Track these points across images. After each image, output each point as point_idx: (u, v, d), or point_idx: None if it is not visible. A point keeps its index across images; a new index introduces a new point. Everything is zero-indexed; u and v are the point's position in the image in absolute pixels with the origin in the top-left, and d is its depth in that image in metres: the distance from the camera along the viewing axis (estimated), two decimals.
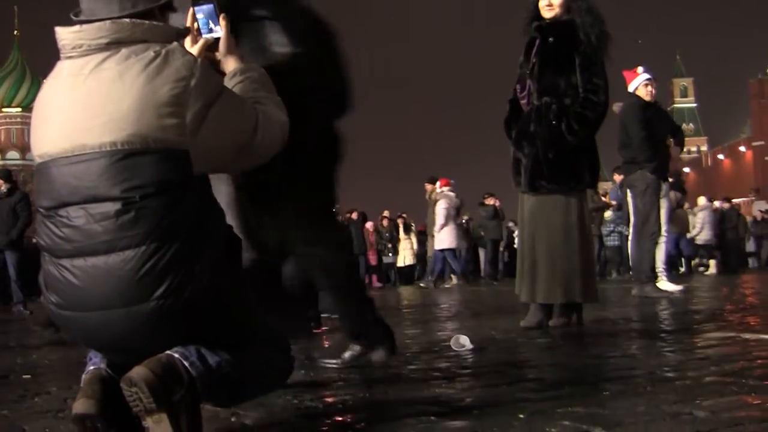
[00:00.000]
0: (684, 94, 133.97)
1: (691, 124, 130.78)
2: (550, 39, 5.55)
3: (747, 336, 4.59)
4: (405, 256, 23.90)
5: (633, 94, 9.55)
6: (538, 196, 5.52)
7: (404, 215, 24.90)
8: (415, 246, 24.00)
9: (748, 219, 27.05)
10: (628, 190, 9.76)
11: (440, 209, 17.54)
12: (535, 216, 5.55)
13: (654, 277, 9.36)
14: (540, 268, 5.50)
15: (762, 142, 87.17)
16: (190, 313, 2.19)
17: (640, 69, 9.68)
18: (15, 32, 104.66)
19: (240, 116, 2.34)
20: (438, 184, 18.06)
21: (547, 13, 5.58)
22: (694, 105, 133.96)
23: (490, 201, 21.66)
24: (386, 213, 24.80)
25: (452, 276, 18.12)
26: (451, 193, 17.92)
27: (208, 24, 2.62)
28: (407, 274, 24.43)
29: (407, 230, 24.20)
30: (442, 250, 17.85)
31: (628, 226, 11.34)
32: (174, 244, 2.15)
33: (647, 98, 9.53)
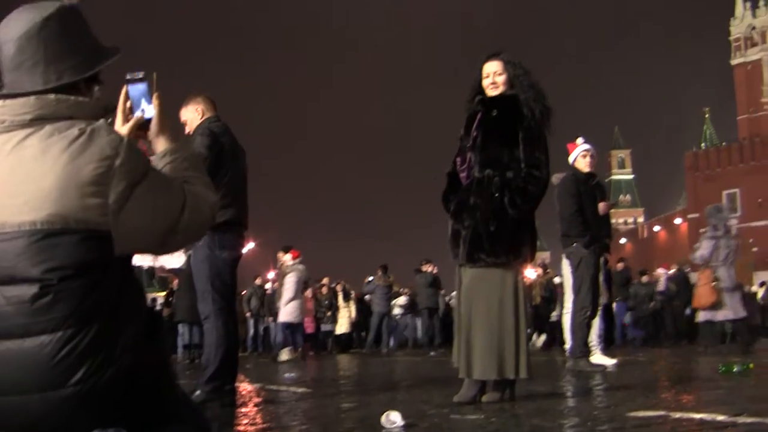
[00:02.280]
0: (621, 166, 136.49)
1: (628, 196, 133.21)
2: (494, 112, 5.62)
3: (678, 415, 4.60)
4: (343, 324, 23.79)
5: (571, 166, 9.68)
6: (477, 269, 5.54)
7: (343, 282, 24.83)
8: (353, 314, 23.92)
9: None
10: (567, 262, 9.78)
11: (290, 282, 17.24)
12: (473, 289, 5.55)
13: (587, 351, 9.38)
14: (476, 343, 5.49)
15: (697, 215, 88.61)
16: (109, 395, 2.14)
17: (579, 140, 9.87)
18: None
19: (166, 196, 2.31)
20: (289, 255, 17.59)
21: (492, 92, 5.68)
22: (632, 176, 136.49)
23: (427, 268, 21.60)
24: (325, 280, 24.70)
25: (286, 350, 17.15)
26: (301, 266, 17.48)
27: (140, 103, 2.59)
28: (344, 342, 24.28)
29: (347, 297, 24.12)
30: (286, 324, 17.41)
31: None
32: (92, 327, 2.10)
33: (585, 169, 9.68)
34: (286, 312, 17.26)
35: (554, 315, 19.25)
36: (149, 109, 2.58)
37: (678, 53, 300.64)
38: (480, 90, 5.76)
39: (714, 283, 13.28)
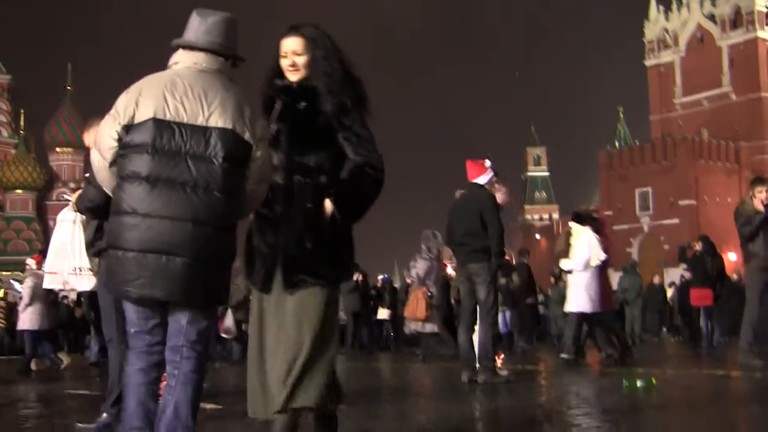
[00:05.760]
0: (537, 163, 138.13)
1: (543, 192, 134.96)
2: (302, 104, 4.57)
3: None
4: None
5: (477, 185, 9.71)
6: (297, 292, 4.38)
7: None
8: None
9: None
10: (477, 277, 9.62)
11: (26, 287, 15.85)
12: (294, 315, 4.37)
13: (494, 364, 9.42)
14: (309, 372, 4.28)
15: (610, 212, 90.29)
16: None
17: (487, 162, 9.80)
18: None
19: None
20: (33, 260, 16.03)
21: (291, 76, 4.59)
22: (547, 174, 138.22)
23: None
24: None
25: (34, 361, 15.85)
26: (40, 272, 14.49)
27: None
28: None
29: None
30: (25, 331, 15.88)
31: None
32: None
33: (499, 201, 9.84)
34: (23, 320, 15.96)
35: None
36: None
37: (594, 53, 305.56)
38: (278, 71, 4.65)
39: (428, 300, 15.38)
